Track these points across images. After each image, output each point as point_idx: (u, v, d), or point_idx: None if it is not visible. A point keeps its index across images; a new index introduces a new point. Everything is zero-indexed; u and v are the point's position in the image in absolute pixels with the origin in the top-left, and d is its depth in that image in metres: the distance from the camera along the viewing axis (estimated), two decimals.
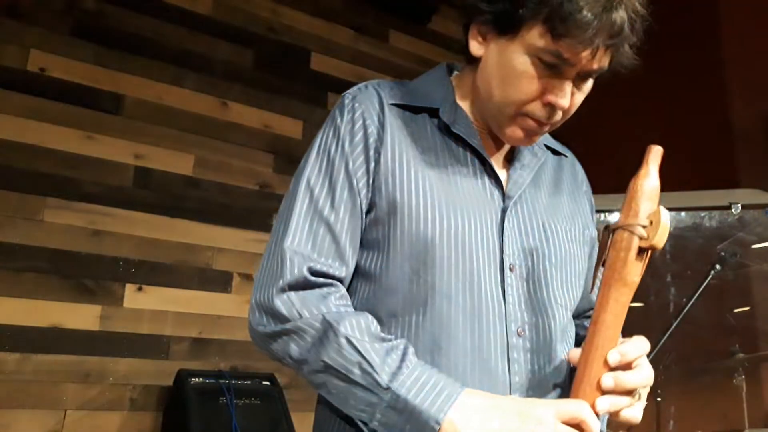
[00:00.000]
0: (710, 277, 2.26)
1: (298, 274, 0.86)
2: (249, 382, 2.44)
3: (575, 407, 0.76)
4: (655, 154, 0.77)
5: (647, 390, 0.85)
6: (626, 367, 0.81)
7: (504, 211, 0.93)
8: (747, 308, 2.56)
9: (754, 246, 2.50)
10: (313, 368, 0.84)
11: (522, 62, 0.86)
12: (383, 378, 0.79)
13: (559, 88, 0.86)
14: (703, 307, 2.30)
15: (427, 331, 0.86)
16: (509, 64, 0.87)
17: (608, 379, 0.78)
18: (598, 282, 0.82)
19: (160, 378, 2.50)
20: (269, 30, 3.09)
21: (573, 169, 1.11)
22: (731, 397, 2.33)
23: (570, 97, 0.87)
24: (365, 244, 0.92)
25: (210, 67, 2.89)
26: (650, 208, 0.75)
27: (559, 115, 0.89)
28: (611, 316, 0.77)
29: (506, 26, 0.87)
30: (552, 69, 0.85)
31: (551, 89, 0.86)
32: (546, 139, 1.07)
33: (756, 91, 2.83)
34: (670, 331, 2.20)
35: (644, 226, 0.74)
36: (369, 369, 0.79)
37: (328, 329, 0.82)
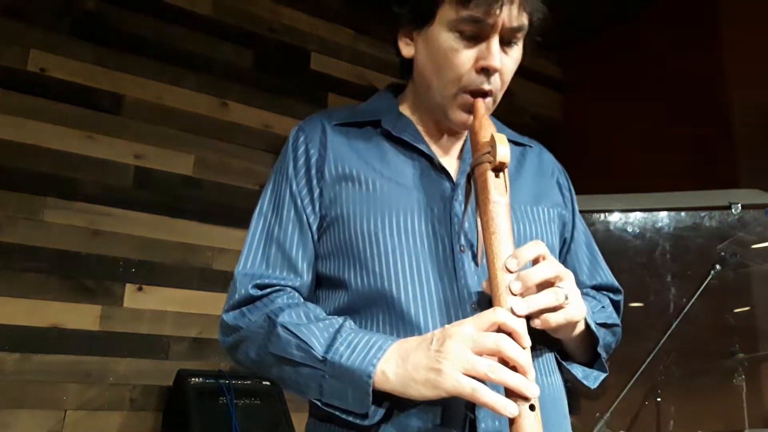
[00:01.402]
0: (710, 277, 2.27)
1: (245, 292, 0.93)
2: (249, 382, 2.44)
3: (490, 313, 0.78)
4: (479, 108, 0.92)
5: (575, 293, 0.87)
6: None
7: (452, 199, 0.96)
8: (747, 308, 2.56)
9: (754, 246, 2.49)
10: (268, 363, 0.89)
11: (445, 39, 0.92)
12: (319, 351, 0.83)
13: (487, 51, 0.91)
14: (703, 307, 2.30)
15: (387, 322, 0.90)
16: (436, 46, 0.94)
17: (515, 283, 0.80)
18: (479, 221, 0.88)
19: (160, 378, 2.50)
20: (269, 30, 3.09)
21: (539, 157, 1.13)
22: (731, 397, 2.33)
23: (499, 58, 0.92)
24: (325, 254, 0.97)
25: (210, 67, 2.89)
26: (487, 142, 0.87)
27: (496, 80, 0.93)
28: (494, 234, 0.83)
29: (423, 15, 0.95)
30: (475, 37, 0.91)
31: (480, 55, 0.92)
32: (506, 133, 1.10)
33: (756, 92, 2.83)
34: (670, 331, 2.21)
35: (487, 153, 0.86)
36: (305, 347, 0.84)
37: (270, 324, 0.88)
